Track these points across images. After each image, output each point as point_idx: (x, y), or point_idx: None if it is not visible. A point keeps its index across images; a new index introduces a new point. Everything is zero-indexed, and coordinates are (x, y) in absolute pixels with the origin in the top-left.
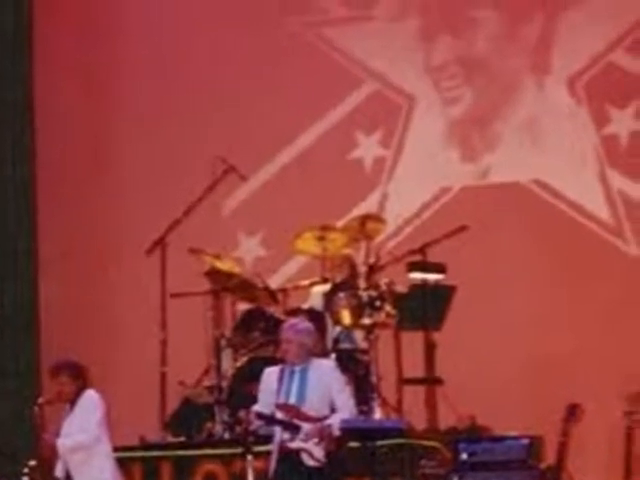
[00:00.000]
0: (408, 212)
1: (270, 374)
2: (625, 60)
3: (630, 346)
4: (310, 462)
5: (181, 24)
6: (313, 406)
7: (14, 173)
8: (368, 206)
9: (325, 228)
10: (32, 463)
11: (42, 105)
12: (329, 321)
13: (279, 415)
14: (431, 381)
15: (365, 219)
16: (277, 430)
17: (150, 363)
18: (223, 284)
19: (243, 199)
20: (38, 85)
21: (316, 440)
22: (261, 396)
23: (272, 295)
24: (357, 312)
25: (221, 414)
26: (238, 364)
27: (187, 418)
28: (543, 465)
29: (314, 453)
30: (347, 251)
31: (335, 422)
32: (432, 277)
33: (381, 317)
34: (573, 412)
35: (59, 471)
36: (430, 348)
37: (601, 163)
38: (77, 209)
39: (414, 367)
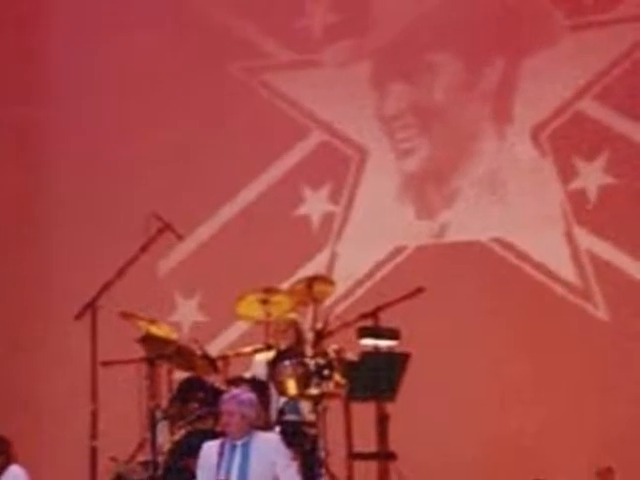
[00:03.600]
0: (359, 273)
1: (210, 448)
2: (593, 109)
3: (600, 418)
4: None
5: (114, 73)
6: None
7: None
8: (316, 267)
9: (269, 291)
10: None
11: None
12: (273, 391)
13: None
14: (384, 456)
15: (312, 281)
16: None
17: (79, 436)
18: (158, 351)
19: (180, 259)
20: None
21: None
22: (200, 472)
23: (212, 363)
24: (304, 382)
25: None
26: (175, 438)
27: None
28: None
29: None
30: (293, 315)
31: None
32: (385, 343)
33: (330, 387)
34: None
35: None
36: (383, 420)
37: (568, 220)
38: (2, 270)
39: (365, 441)
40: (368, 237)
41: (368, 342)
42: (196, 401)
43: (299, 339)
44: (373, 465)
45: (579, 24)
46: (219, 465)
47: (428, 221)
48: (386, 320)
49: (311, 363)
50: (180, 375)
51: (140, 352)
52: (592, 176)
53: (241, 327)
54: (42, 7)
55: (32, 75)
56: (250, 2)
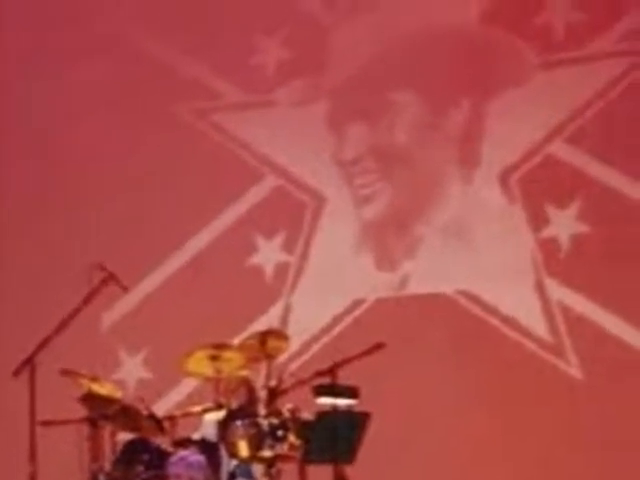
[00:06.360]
0: (315, 327)
1: None
2: (566, 152)
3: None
4: None
5: (57, 113)
6: None
7: None
8: (269, 320)
9: (219, 346)
10: None
11: None
12: (224, 453)
13: None
14: None
15: (265, 336)
16: None
17: None
18: (101, 411)
19: (125, 312)
20: None
21: None
22: None
23: (158, 424)
24: (256, 443)
25: None
26: None
27: None
28: None
29: None
30: (245, 373)
31: None
32: (343, 402)
33: (284, 449)
34: None
35: None
36: None
37: (538, 271)
38: None
39: None
40: (325, 289)
41: (325, 401)
42: (141, 464)
43: (251, 398)
44: None
45: (550, 61)
46: None
47: (389, 272)
48: (344, 378)
49: (264, 423)
50: (124, 436)
51: (82, 411)
52: (564, 224)
53: (190, 385)
54: None
55: None
56: (198, 39)
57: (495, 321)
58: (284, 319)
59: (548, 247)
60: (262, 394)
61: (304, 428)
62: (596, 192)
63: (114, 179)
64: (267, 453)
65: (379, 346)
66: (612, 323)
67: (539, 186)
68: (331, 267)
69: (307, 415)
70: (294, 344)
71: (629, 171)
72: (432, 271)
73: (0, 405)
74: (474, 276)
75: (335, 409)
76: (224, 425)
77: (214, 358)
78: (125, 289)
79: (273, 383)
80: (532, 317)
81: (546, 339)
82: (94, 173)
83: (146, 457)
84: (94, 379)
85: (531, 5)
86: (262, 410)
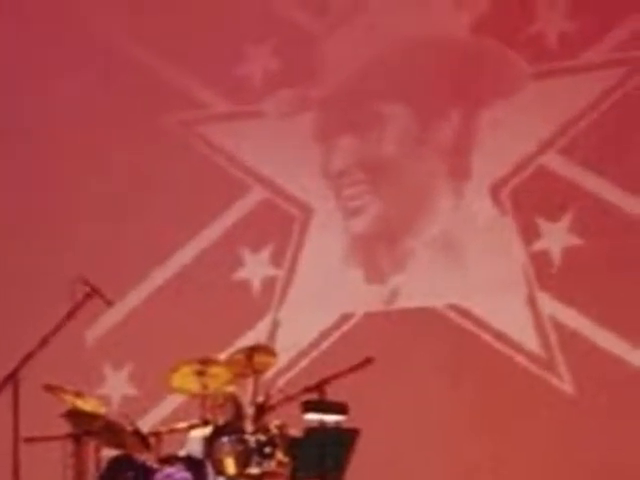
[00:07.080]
0: (303, 342)
1: None
2: (558, 164)
3: None
4: None
5: (43, 123)
6: None
7: None
8: (256, 335)
9: (205, 362)
10: None
11: None
12: (210, 470)
13: None
14: None
15: (253, 351)
16: None
17: None
18: (85, 427)
19: (109, 327)
20: None
21: None
22: None
23: (143, 440)
24: (243, 460)
25: None
26: None
27: None
28: None
29: None
30: (231, 389)
31: None
32: (331, 419)
33: (272, 466)
34: None
35: None
36: None
37: (530, 285)
38: None
39: None
40: (313, 303)
41: (313, 417)
42: None
43: (238, 414)
44: None
45: (542, 71)
46: None
47: (378, 286)
48: (333, 393)
49: (251, 440)
50: (109, 453)
51: (65, 428)
52: (556, 236)
53: (175, 401)
54: None
55: None
56: (185, 48)
57: (486, 335)
58: (271, 334)
59: (540, 260)
60: (249, 410)
61: (292, 445)
62: (588, 204)
63: (99, 190)
64: (254, 470)
65: (368, 361)
66: (604, 337)
67: (530, 198)
68: (319, 281)
69: (295, 432)
70: (282, 359)
71: (622, 183)
72: (422, 285)
73: None
74: (465, 290)
75: (323, 425)
76: (210, 442)
77: (200, 373)
78: (110, 303)
79: (260, 399)
80: (524, 331)
81: (538, 354)
82: (78, 185)
83: (131, 474)
84: (78, 395)
85: (524, 14)
86: (249, 426)
